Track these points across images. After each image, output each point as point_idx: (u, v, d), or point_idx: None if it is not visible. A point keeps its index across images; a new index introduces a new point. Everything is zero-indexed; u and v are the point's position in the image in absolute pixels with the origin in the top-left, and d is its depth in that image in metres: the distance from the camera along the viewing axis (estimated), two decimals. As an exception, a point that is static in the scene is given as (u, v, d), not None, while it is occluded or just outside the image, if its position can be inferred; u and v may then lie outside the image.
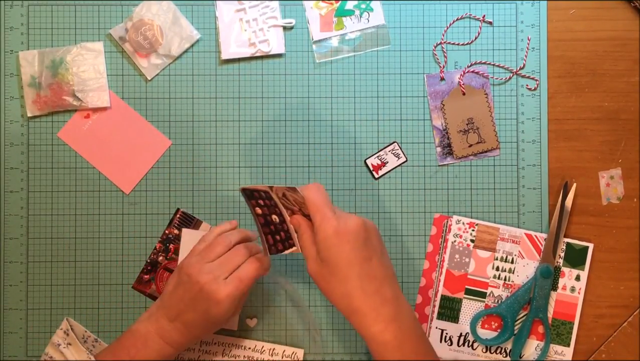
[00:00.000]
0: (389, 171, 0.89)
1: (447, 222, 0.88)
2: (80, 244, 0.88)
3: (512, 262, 0.87)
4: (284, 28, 0.89)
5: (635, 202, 0.89)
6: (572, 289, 0.87)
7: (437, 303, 0.87)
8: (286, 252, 0.79)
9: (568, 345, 0.87)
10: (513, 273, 0.87)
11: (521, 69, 0.89)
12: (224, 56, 0.88)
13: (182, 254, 0.87)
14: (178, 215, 0.88)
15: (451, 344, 0.87)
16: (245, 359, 0.87)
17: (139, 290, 0.88)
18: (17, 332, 0.87)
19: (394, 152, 0.89)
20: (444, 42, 0.89)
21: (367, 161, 0.89)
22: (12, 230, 0.88)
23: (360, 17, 0.89)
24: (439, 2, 0.90)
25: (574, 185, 0.88)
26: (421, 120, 0.89)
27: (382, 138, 0.89)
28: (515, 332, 0.87)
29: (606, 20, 0.89)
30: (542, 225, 0.88)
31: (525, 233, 0.87)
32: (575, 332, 0.87)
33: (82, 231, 0.88)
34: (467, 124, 0.88)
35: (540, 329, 0.87)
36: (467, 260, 0.87)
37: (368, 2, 0.89)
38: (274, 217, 0.78)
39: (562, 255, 0.87)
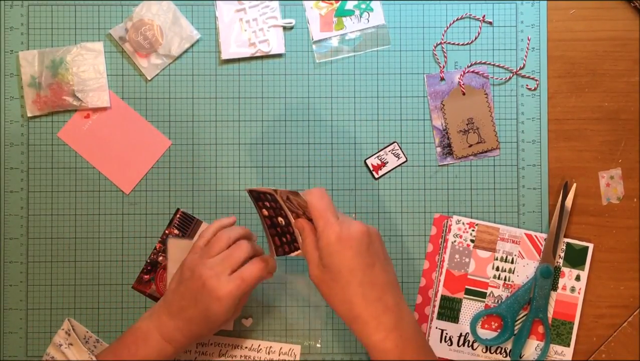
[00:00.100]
0: (389, 171, 0.89)
1: (447, 222, 0.88)
2: (80, 244, 0.88)
3: (512, 262, 0.87)
4: (284, 28, 0.89)
5: (635, 202, 0.89)
6: (572, 289, 0.87)
7: (437, 303, 0.87)
8: (292, 254, 0.79)
9: (568, 345, 0.87)
10: (513, 273, 0.87)
11: (521, 69, 0.89)
12: (224, 56, 0.88)
13: (171, 265, 0.87)
14: (178, 215, 0.88)
15: (451, 344, 0.87)
16: (243, 359, 0.87)
17: (139, 290, 0.88)
18: (17, 332, 0.87)
19: (394, 152, 0.89)
20: (444, 42, 0.89)
21: (367, 161, 0.89)
22: (12, 230, 0.88)
23: (360, 17, 0.89)
24: (439, 2, 0.90)
25: (574, 185, 0.88)
26: (421, 120, 0.89)
27: (382, 138, 0.89)
28: (515, 332, 0.87)
29: (606, 20, 0.89)
30: (542, 225, 0.88)
31: (525, 233, 0.87)
32: (575, 332, 0.87)
33: (82, 231, 0.88)
34: (467, 124, 0.88)
35: (540, 329, 0.87)
36: (467, 260, 0.87)
37: (368, 2, 0.89)
38: (280, 219, 0.78)
39: (562, 255, 0.87)
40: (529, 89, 0.89)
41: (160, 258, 0.88)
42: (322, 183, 0.89)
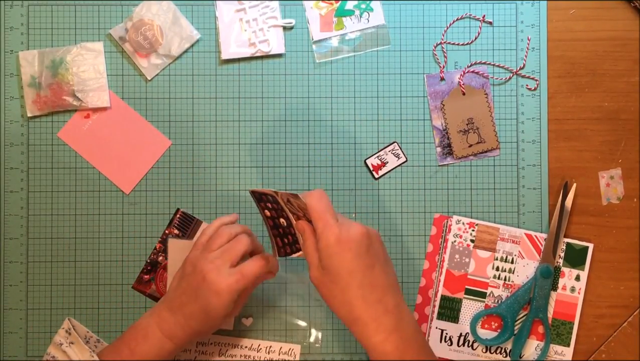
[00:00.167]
0: (389, 171, 0.89)
1: (447, 222, 0.88)
2: (80, 244, 0.88)
3: (512, 262, 0.87)
4: (284, 28, 0.89)
5: (635, 202, 0.89)
6: (572, 289, 0.87)
7: (437, 303, 0.87)
8: (294, 255, 0.79)
9: (568, 345, 0.87)
10: (513, 273, 0.87)
11: (521, 69, 0.89)
12: (224, 56, 0.89)
13: (171, 265, 0.87)
14: (178, 215, 0.88)
15: (451, 344, 0.87)
16: (242, 358, 0.87)
17: (139, 290, 0.88)
18: (17, 332, 0.87)
19: (394, 152, 0.89)
20: (444, 42, 0.89)
21: (367, 161, 0.89)
22: (12, 230, 0.88)
23: (360, 17, 0.89)
24: (439, 2, 0.90)
25: (574, 185, 0.88)
26: (421, 120, 0.89)
27: (382, 138, 0.89)
28: (515, 332, 0.87)
29: (606, 20, 0.89)
30: (542, 225, 0.88)
31: (525, 233, 0.87)
32: (575, 332, 0.87)
33: (82, 231, 0.88)
34: (467, 124, 0.88)
35: (540, 329, 0.87)
36: (467, 260, 0.87)
37: (368, 2, 0.89)
38: (282, 220, 0.78)
39: (562, 255, 0.87)
40: (529, 89, 0.89)
41: (160, 258, 0.88)
42: (322, 183, 0.89)
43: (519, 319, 0.87)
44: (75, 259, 0.88)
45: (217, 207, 0.88)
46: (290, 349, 0.87)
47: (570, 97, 0.89)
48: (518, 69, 0.89)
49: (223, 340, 0.87)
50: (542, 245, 0.87)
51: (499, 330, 0.87)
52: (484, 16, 0.89)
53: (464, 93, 0.89)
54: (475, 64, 0.89)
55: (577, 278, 0.87)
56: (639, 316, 0.88)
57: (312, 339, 0.88)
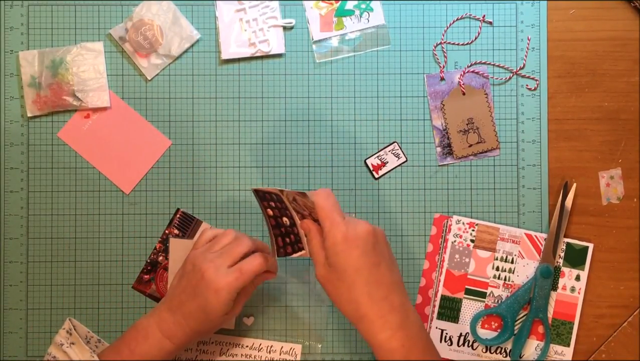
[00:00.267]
0: (389, 171, 0.89)
1: (447, 222, 0.88)
2: (80, 244, 0.88)
3: (512, 262, 0.87)
4: (284, 28, 0.89)
5: (635, 202, 0.89)
6: (572, 289, 0.87)
7: (437, 303, 0.87)
8: (295, 255, 0.79)
9: (568, 345, 0.87)
10: (513, 273, 0.87)
11: (521, 69, 0.89)
12: (224, 56, 0.88)
13: (172, 264, 0.87)
14: (178, 215, 0.88)
15: (451, 344, 0.87)
16: (243, 358, 0.87)
17: (139, 290, 0.88)
18: (17, 332, 0.87)
19: (394, 152, 0.89)
20: (444, 42, 0.89)
21: (367, 161, 0.89)
22: (12, 230, 0.88)
23: (360, 17, 0.89)
24: (439, 2, 0.90)
25: (574, 185, 0.88)
26: (421, 120, 0.89)
27: (382, 138, 0.89)
28: (515, 332, 0.87)
29: (606, 20, 0.89)
30: (542, 225, 0.88)
31: (525, 233, 0.87)
32: (575, 332, 0.87)
33: (82, 231, 0.88)
34: (467, 124, 0.88)
35: (540, 329, 0.87)
36: (467, 260, 0.87)
37: (368, 2, 0.89)
38: (285, 219, 0.78)
39: (562, 255, 0.87)
40: (529, 89, 0.89)
41: (160, 258, 0.88)
42: (322, 183, 0.89)
43: (519, 319, 0.87)
44: (75, 259, 0.88)
45: (217, 207, 0.88)
46: (291, 348, 0.87)
47: (570, 97, 0.89)
48: (518, 69, 0.89)
49: (224, 339, 0.87)
50: (542, 245, 0.87)
51: (499, 330, 0.87)
52: (484, 16, 0.89)
53: (464, 93, 0.89)
54: (475, 64, 0.89)
55: (577, 278, 0.87)
56: (639, 316, 0.88)
57: (312, 339, 0.88)
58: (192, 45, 0.89)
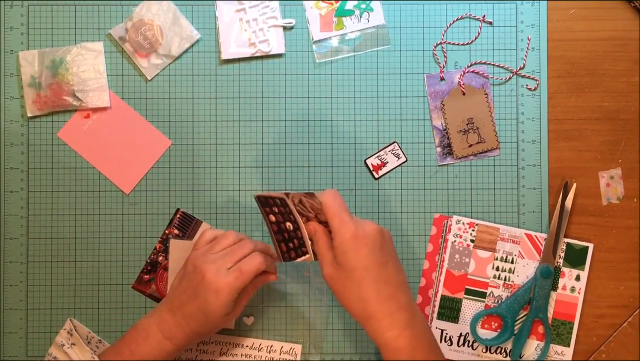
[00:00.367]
0: (389, 171, 0.89)
1: (447, 222, 0.88)
2: (80, 244, 0.88)
3: (512, 262, 0.87)
4: (284, 28, 0.89)
5: (635, 202, 0.89)
6: (572, 289, 0.87)
7: (437, 303, 0.87)
8: (299, 259, 0.79)
9: (568, 345, 0.87)
10: (513, 273, 0.87)
11: (521, 69, 0.89)
12: (224, 56, 0.88)
13: (172, 265, 0.87)
14: (178, 215, 0.88)
15: (451, 344, 0.87)
16: (243, 358, 0.87)
17: (139, 290, 0.88)
18: (17, 332, 0.87)
19: (394, 152, 0.89)
20: (444, 42, 0.89)
21: (367, 161, 0.89)
22: (12, 230, 0.88)
23: (360, 17, 0.89)
24: (439, 2, 0.90)
25: (574, 185, 0.88)
26: (421, 120, 0.89)
27: (382, 138, 0.89)
28: (515, 332, 0.87)
29: (606, 20, 0.89)
30: (542, 225, 0.88)
31: (525, 233, 0.87)
32: (575, 332, 0.87)
33: (82, 231, 0.88)
34: (467, 124, 0.88)
35: (540, 329, 0.87)
36: (467, 260, 0.87)
37: (368, 2, 0.89)
38: (288, 224, 0.78)
39: (562, 255, 0.87)
40: (529, 89, 0.89)
41: (160, 258, 0.88)
42: (322, 183, 0.89)
43: (519, 319, 0.87)
44: (75, 259, 0.88)
45: (217, 207, 0.88)
46: (291, 348, 0.87)
47: (570, 97, 0.89)
48: (518, 69, 0.89)
49: (224, 339, 0.87)
50: (542, 245, 0.87)
51: (499, 330, 0.87)
52: (484, 16, 0.89)
53: (464, 93, 0.89)
54: (475, 64, 0.89)
55: (577, 278, 0.87)
56: (639, 316, 0.88)
57: (312, 339, 0.88)
58: (192, 45, 0.89)
